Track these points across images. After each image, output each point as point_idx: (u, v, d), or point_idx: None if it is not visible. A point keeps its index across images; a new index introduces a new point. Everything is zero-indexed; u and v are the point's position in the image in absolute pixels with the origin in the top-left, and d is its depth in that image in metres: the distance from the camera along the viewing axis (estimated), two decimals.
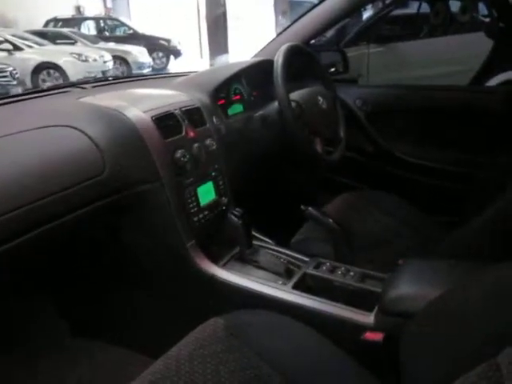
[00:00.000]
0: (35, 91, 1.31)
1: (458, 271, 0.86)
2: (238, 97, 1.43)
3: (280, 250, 1.15)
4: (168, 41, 11.21)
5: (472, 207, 1.35)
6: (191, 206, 1.06)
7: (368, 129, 1.70)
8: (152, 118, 1.02)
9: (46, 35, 9.50)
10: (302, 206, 1.15)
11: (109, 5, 14.72)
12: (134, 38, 10.98)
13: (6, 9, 10.76)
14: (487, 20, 4.40)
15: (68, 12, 12.19)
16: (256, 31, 12.49)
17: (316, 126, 1.25)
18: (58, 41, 9.52)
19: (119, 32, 11.73)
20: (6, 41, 7.80)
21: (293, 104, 1.19)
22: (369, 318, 0.90)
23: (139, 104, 1.06)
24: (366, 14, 4.88)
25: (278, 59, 1.18)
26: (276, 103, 1.25)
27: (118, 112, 1.00)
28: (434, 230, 1.36)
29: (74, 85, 1.37)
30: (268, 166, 1.42)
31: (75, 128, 0.97)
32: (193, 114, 1.12)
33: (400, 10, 4.92)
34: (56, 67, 8.04)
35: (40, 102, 1.22)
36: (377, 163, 1.72)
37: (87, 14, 13.00)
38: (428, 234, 1.31)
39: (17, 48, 7.88)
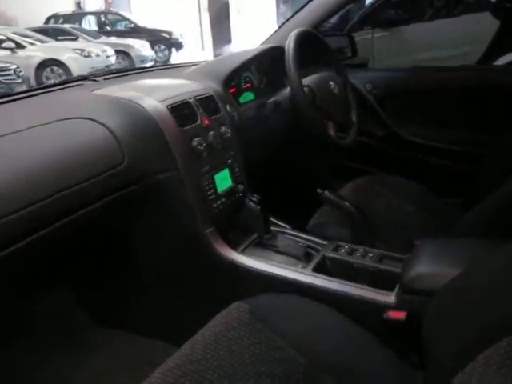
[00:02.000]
0: (47, 86, 1.32)
1: (475, 248, 0.87)
2: (248, 85, 1.43)
3: (298, 234, 1.16)
4: (169, 33, 11.18)
5: (485, 188, 1.35)
6: (209, 193, 1.07)
7: (379, 112, 1.70)
8: (168, 107, 1.03)
9: (47, 32, 9.49)
10: (319, 190, 1.15)
11: None
12: (136, 31, 10.96)
13: (6, 7, 10.75)
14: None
15: (68, 8, 12.15)
16: (258, 23, 12.39)
17: (328, 110, 1.25)
18: (60, 37, 9.51)
19: (120, 26, 11.70)
20: (9, 39, 7.80)
21: (305, 89, 1.19)
22: (390, 298, 0.91)
23: (154, 94, 1.06)
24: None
25: (290, 45, 1.18)
26: (288, 89, 1.25)
27: (133, 102, 1.01)
28: (449, 211, 1.37)
29: (85, 78, 1.38)
30: (282, 152, 1.43)
31: (92, 119, 0.97)
32: (207, 103, 1.13)
33: None
34: (59, 64, 8.03)
35: (54, 95, 1.22)
36: (388, 147, 1.72)
37: (87, 9, 12.95)
38: (443, 215, 1.32)
39: (19, 46, 7.86)
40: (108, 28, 11.65)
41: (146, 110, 1.00)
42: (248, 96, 1.42)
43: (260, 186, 1.21)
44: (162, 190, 1.03)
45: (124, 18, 11.72)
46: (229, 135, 1.14)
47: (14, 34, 8.14)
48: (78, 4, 13.20)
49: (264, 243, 1.12)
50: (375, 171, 1.70)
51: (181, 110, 1.05)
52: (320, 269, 1.03)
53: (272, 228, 1.15)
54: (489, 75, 1.67)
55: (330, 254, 1.06)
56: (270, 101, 1.30)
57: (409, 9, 4.77)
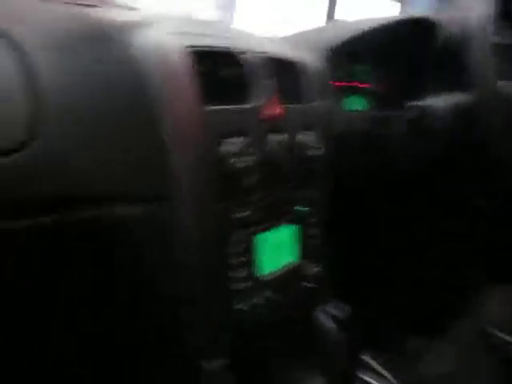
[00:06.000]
0: None
1: None
2: (358, 84, 0.84)
3: None
4: None
5: None
6: (237, 272, 0.44)
7: None
8: (187, 47, 0.42)
9: None
10: None
11: None
12: None
13: None
14: None
15: None
16: None
17: None
18: None
19: None
20: None
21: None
22: None
23: (165, 20, 0.46)
24: None
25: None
26: (450, 98, 0.69)
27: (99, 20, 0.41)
28: None
29: None
30: (413, 208, 0.80)
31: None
32: (287, 68, 0.52)
33: None
34: None
35: None
36: None
37: None
38: None
39: None
40: None
41: (129, 48, 0.39)
42: (353, 102, 0.83)
43: (353, 275, 0.57)
44: (124, 247, 0.40)
45: None
46: (320, 152, 0.51)
47: None
48: None
49: None
50: None
51: (222, 69, 0.43)
52: None
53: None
54: None
55: None
56: (411, 114, 0.68)
57: None
